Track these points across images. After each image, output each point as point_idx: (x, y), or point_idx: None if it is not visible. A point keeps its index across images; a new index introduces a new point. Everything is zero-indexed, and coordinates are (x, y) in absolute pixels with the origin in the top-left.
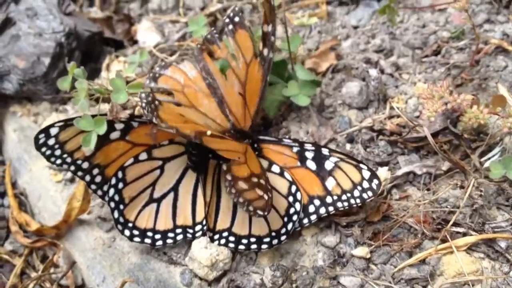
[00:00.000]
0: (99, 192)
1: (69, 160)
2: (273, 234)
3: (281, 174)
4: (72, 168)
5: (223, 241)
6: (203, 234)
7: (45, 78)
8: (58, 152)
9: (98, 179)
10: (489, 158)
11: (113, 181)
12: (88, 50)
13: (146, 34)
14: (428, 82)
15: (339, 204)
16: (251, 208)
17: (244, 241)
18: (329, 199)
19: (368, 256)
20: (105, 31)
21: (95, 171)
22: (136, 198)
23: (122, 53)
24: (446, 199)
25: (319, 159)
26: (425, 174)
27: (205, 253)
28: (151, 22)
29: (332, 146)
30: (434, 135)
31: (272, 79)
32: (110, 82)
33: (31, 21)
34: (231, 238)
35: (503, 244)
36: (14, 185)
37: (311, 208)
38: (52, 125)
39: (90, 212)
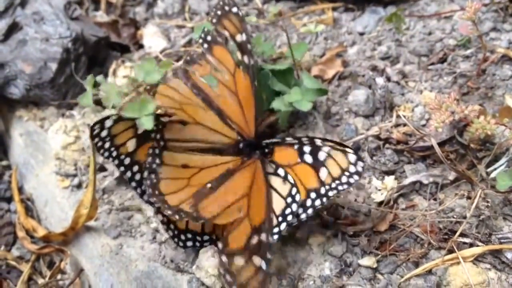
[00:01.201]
0: (138, 190)
1: (114, 154)
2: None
3: (285, 177)
4: (116, 162)
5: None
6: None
7: (52, 84)
8: (107, 145)
9: (137, 176)
10: (495, 169)
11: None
12: (94, 54)
13: (152, 39)
14: (434, 91)
15: (330, 193)
16: None
17: None
18: (322, 190)
19: (375, 265)
20: (111, 35)
21: (135, 168)
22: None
23: (128, 57)
24: (453, 209)
25: (315, 151)
26: (431, 184)
27: (212, 262)
28: (157, 27)
29: None
30: (441, 144)
31: (279, 88)
32: (139, 67)
33: (38, 26)
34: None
35: (509, 255)
36: (20, 190)
37: (308, 202)
38: (107, 117)
39: (97, 219)
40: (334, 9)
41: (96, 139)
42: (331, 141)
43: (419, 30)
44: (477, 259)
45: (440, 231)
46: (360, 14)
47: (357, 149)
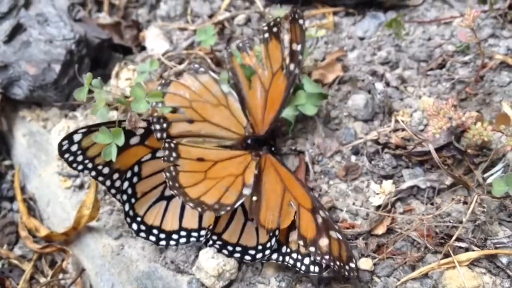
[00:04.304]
0: (118, 197)
1: (90, 165)
2: (260, 247)
3: None
4: (93, 173)
5: (210, 242)
6: (208, 241)
7: (55, 85)
8: (80, 158)
9: (118, 183)
10: (492, 174)
11: (129, 174)
12: (97, 56)
13: (155, 41)
14: (433, 97)
15: (287, 259)
16: (347, 268)
17: (230, 248)
18: (283, 249)
19: (372, 268)
20: (113, 37)
21: (115, 176)
22: (147, 194)
23: (130, 59)
24: (449, 213)
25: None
26: (429, 188)
27: (212, 263)
28: (159, 29)
29: (338, 158)
30: (438, 149)
31: None
32: (130, 91)
33: (41, 28)
34: (219, 243)
35: (504, 260)
36: (23, 189)
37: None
38: (75, 132)
39: (99, 220)
40: (335, 13)
41: (67, 155)
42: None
43: (419, 35)
44: (473, 264)
45: (436, 235)
46: (360, 19)
47: (355, 152)
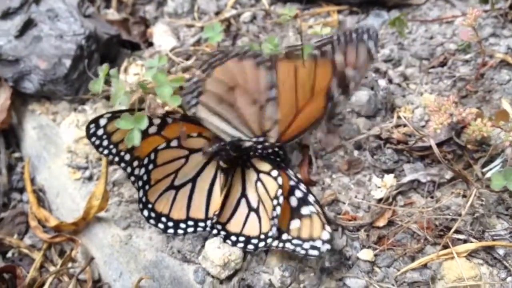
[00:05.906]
0: (136, 185)
1: (114, 151)
2: (262, 236)
3: (275, 178)
4: (117, 159)
5: (215, 231)
6: (213, 229)
7: (65, 79)
8: (105, 143)
9: (137, 171)
10: (490, 169)
11: (146, 161)
12: (106, 52)
13: (162, 37)
14: (434, 94)
15: (287, 245)
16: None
17: (233, 238)
18: (284, 236)
19: (373, 259)
20: (122, 33)
21: (135, 163)
22: (160, 182)
23: (138, 55)
24: (449, 206)
25: (303, 201)
26: (429, 182)
27: (218, 253)
28: (166, 26)
29: (340, 153)
30: (439, 145)
31: None
32: (152, 77)
33: (52, 23)
34: (223, 233)
35: (501, 252)
36: (32, 181)
37: (270, 233)
38: (101, 116)
39: (107, 210)
40: (339, 11)
41: (93, 138)
42: (321, 207)
43: (421, 34)
44: (471, 255)
45: (436, 228)
46: (364, 17)
47: (358, 147)
